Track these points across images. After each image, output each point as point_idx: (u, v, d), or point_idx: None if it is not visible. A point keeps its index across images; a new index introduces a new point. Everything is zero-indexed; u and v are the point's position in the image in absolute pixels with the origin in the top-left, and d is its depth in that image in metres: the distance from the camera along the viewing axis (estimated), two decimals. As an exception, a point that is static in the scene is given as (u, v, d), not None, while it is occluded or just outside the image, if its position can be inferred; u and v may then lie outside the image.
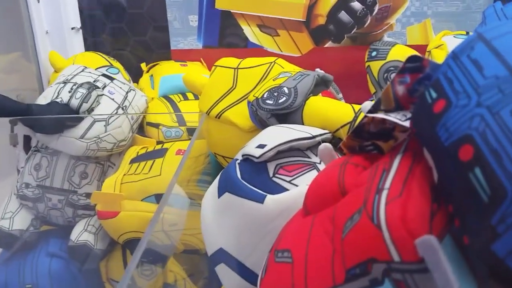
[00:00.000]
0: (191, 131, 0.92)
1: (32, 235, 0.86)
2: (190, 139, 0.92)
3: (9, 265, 0.87)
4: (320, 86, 0.64)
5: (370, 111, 0.35)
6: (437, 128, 0.26)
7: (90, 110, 0.80)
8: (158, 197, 0.78)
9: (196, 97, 1.01)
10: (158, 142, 0.90)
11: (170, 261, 0.78)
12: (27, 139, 0.94)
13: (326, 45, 1.16)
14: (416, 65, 0.33)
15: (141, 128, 0.95)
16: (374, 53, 0.74)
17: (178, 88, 1.02)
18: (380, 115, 0.34)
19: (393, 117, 0.33)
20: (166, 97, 1.01)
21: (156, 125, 0.92)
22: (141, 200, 0.79)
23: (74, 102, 0.77)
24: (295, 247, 0.33)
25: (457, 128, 0.24)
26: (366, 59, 0.76)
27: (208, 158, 0.82)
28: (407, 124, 0.31)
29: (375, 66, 0.75)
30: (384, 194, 0.28)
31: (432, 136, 0.26)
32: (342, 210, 0.31)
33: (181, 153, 0.82)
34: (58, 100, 0.78)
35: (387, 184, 0.29)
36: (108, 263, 0.90)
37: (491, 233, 0.21)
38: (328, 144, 0.43)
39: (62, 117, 0.75)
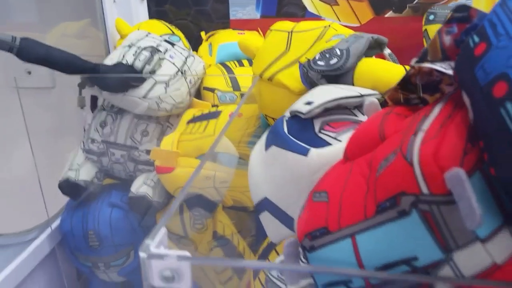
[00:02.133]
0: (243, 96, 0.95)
1: (96, 186, 0.94)
2: (245, 104, 0.95)
3: (74, 213, 0.95)
4: (374, 49, 0.64)
5: (417, 62, 0.36)
6: (475, 70, 0.27)
7: (152, 72, 0.85)
8: (212, 155, 0.83)
9: (251, 64, 1.03)
10: (213, 106, 0.94)
11: (220, 213, 0.82)
12: (94, 99, 1.02)
13: (386, 15, 1.13)
14: (463, 15, 0.33)
15: (198, 92, 0.99)
16: (431, 17, 0.72)
17: (235, 55, 1.05)
18: (426, 65, 0.34)
19: (438, 66, 0.33)
20: (223, 63, 1.04)
21: (212, 90, 0.96)
22: (196, 158, 0.84)
23: (138, 64, 0.83)
24: (332, 189, 0.35)
25: (494, 68, 0.25)
26: (423, 23, 0.74)
27: (259, 120, 0.85)
28: (450, 72, 0.32)
29: (432, 30, 0.73)
30: (420, 135, 0.29)
31: (470, 77, 0.27)
32: (379, 153, 0.32)
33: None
34: (123, 61, 0.84)
35: (425, 126, 0.30)
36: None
37: None
38: (374, 99, 0.44)
39: (126, 76, 0.81)
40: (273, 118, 0.74)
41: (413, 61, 0.44)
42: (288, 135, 0.51)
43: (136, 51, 0.85)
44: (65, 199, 0.99)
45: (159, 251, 0.29)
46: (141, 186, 0.89)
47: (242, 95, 0.95)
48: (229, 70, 1.01)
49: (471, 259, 0.25)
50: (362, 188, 0.32)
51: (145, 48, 0.85)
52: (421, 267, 0.26)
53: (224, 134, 0.85)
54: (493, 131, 0.24)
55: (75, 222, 0.94)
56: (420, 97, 0.39)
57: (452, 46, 0.34)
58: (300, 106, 0.53)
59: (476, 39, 0.28)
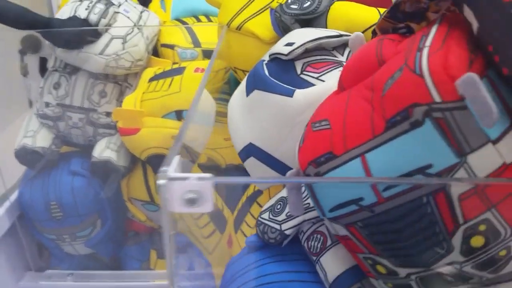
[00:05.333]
0: (206, 52, 0.92)
1: (54, 153, 0.89)
2: (205, 60, 0.92)
3: (33, 184, 0.89)
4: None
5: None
6: None
7: (108, 26, 0.80)
8: (178, 113, 0.80)
9: (209, 20, 1.00)
10: (174, 63, 0.91)
11: (195, 169, 0.81)
12: (42, 62, 0.95)
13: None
14: None
15: (155, 50, 0.95)
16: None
17: (191, 11, 1.01)
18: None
19: (432, -12, 0.34)
20: (179, 19, 1.00)
21: (171, 46, 0.92)
22: (162, 117, 0.81)
23: (93, 18, 0.77)
24: (332, 116, 0.35)
25: None
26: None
27: (227, 74, 0.83)
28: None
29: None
30: (426, 50, 0.29)
31: None
32: (381, 75, 0.33)
33: (199, 71, 0.83)
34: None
35: (428, 43, 0.30)
36: (129, 182, 0.93)
37: None
38: (359, 33, 0.44)
39: (81, 30, 0.75)
40: (243, 71, 0.72)
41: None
42: (271, 77, 0.51)
43: (88, 5, 0.79)
44: (20, 170, 0.93)
45: (179, 174, 0.28)
46: (104, 150, 0.85)
47: (203, 51, 0.93)
48: (187, 26, 0.98)
49: (484, 161, 0.26)
50: (367, 109, 0.32)
51: (98, 1, 0.79)
52: (435, 173, 0.27)
53: (187, 90, 0.82)
54: (505, 33, 0.24)
55: (35, 194, 0.88)
56: (408, 26, 0.39)
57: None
58: (280, 47, 0.52)
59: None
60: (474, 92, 0.25)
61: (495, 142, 0.26)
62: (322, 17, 0.59)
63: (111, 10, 0.79)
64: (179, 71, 0.84)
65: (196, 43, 0.93)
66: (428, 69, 0.27)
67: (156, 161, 0.84)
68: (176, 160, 0.30)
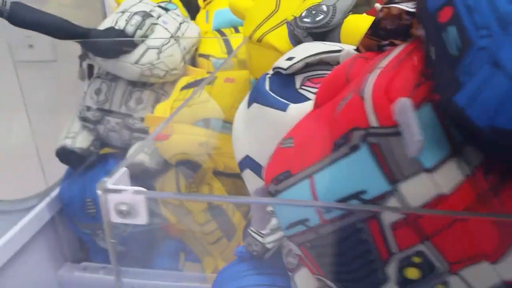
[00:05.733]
0: (241, 63, 0.94)
1: (93, 154, 0.95)
2: (240, 70, 0.94)
3: (73, 182, 0.96)
4: (362, 6, 0.62)
5: (385, 3, 0.35)
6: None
7: (144, 37, 0.84)
8: (206, 122, 0.83)
9: (248, 31, 1.02)
10: (208, 73, 0.94)
11: (212, 178, 0.83)
12: (90, 68, 1.02)
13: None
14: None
15: (193, 60, 0.98)
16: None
17: (231, 21, 1.03)
18: (393, 5, 0.33)
19: (405, 6, 0.32)
20: (219, 30, 1.03)
21: (207, 56, 0.95)
22: (191, 124, 0.84)
23: (130, 29, 0.82)
24: (298, 134, 0.35)
25: None
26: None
27: (251, 85, 0.84)
28: (414, 10, 0.31)
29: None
30: (377, 71, 0.28)
31: (424, 7, 0.26)
32: (341, 96, 0.32)
33: (229, 81, 0.85)
34: (116, 27, 0.83)
35: (383, 64, 0.29)
36: (162, 185, 0.97)
37: (454, 84, 0.21)
38: (351, 49, 0.43)
39: (118, 41, 0.81)
40: (263, 81, 0.73)
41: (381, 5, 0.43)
42: (269, 91, 0.51)
43: (128, 16, 0.84)
44: (64, 169, 1.01)
45: (115, 186, 0.29)
46: (137, 154, 0.90)
47: (238, 61, 0.95)
48: (224, 36, 1.00)
49: (417, 190, 0.24)
50: (324, 130, 0.31)
51: (136, 13, 0.84)
52: (369, 199, 0.26)
53: (216, 99, 0.84)
54: (437, 56, 0.23)
55: (74, 191, 0.95)
56: (393, 43, 0.38)
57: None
58: (281, 62, 0.52)
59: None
60: (404, 118, 0.24)
61: (430, 171, 0.24)
62: (335, 31, 0.58)
63: (148, 21, 0.84)
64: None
65: (230, 53, 0.95)
66: (370, 92, 0.27)
67: (184, 166, 0.87)
68: (120, 172, 0.31)
